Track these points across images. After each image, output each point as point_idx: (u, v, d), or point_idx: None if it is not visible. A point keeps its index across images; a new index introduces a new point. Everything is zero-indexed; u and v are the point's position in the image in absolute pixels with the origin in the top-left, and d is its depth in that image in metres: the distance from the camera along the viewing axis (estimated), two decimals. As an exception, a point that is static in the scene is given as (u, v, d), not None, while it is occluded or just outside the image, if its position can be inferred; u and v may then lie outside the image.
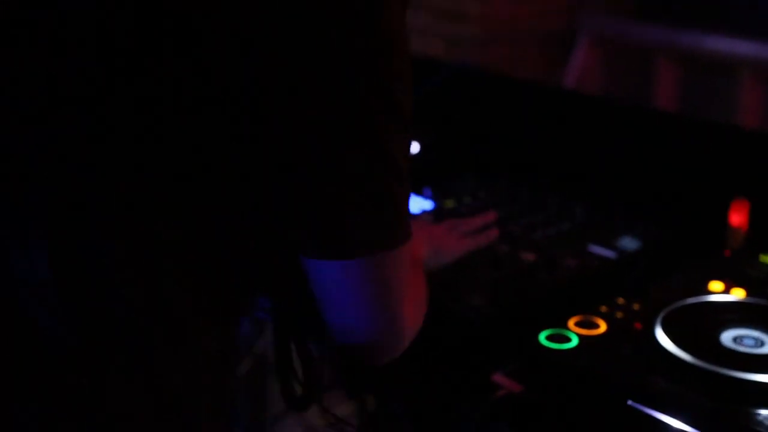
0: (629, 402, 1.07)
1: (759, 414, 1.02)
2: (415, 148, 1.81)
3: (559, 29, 3.48)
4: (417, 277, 1.05)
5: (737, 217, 1.40)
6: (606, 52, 3.37)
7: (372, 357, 0.99)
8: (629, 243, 1.44)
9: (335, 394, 1.80)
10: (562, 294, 1.31)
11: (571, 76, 3.37)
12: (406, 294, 0.95)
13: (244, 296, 0.99)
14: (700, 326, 1.16)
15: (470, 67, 2.17)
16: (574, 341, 1.16)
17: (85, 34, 0.83)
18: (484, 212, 1.46)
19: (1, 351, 0.88)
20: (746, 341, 1.12)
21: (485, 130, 1.88)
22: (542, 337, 1.16)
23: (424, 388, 1.26)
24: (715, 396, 1.05)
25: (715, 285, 1.28)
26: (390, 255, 0.89)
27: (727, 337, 1.13)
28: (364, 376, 1.56)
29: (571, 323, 1.19)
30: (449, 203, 1.56)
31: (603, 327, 1.18)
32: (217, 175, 0.87)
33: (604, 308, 1.22)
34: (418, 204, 1.59)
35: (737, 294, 1.26)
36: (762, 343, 1.12)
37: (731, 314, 1.18)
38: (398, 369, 1.30)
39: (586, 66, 3.38)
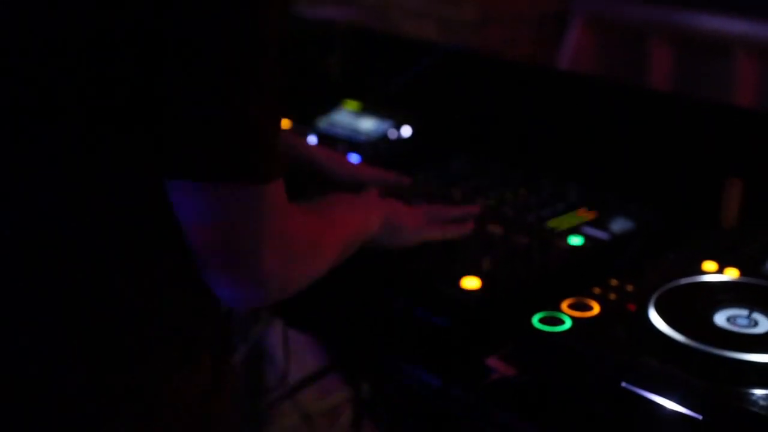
0: (623, 383, 1.07)
1: (753, 394, 1.01)
2: (407, 131, 1.80)
3: (553, 10, 3.47)
4: (313, 227, 1.07)
5: (731, 197, 1.40)
6: (600, 32, 3.36)
7: (230, 297, 0.99)
8: (622, 224, 1.44)
9: (331, 380, 1.81)
10: (555, 276, 1.31)
11: (565, 57, 3.36)
12: (266, 237, 0.96)
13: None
14: (694, 307, 1.15)
15: (464, 49, 2.16)
16: (568, 323, 1.15)
17: None
18: (471, 204, 1.45)
19: None
20: (740, 321, 1.12)
21: (478, 112, 1.88)
22: (535, 320, 1.16)
23: (418, 373, 1.26)
24: (708, 376, 1.04)
25: (709, 265, 1.27)
26: (246, 189, 0.92)
27: (720, 317, 1.13)
28: (359, 362, 1.56)
29: (564, 305, 1.18)
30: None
31: (596, 309, 1.18)
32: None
33: (597, 290, 1.22)
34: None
35: (731, 274, 1.25)
36: (755, 323, 1.11)
37: (725, 294, 1.17)
38: (392, 354, 1.30)
39: (580, 47, 3.37)
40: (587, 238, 1.40)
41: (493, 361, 1.16)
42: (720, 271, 1.26)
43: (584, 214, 1.47)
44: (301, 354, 1.62)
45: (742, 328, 1.11)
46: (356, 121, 1.84)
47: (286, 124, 1.77)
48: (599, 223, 1.44)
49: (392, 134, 1.80)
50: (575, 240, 1.39)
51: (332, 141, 1.77)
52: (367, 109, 1.88)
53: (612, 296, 1.20)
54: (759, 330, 1.10)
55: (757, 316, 1.13)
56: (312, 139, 1.77)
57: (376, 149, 1.75)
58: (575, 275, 1.31)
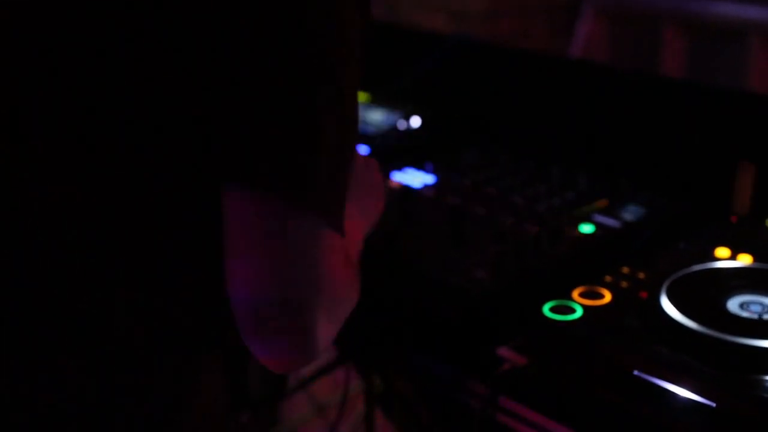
0: (635, 372, 1.06)
1: (767, 381, 1.00)
2: (416, 122, 1.79)
3: (564, 0, 3.46)
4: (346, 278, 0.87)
5: (743, 182, 1.38)
6: (611, 20, 3.34)
7: (272, 359, 0.84)
8: (634, 211, 1.42)
9: (343, 372, 1.81)
10: (566, 265, 1.30)
11: (576, 47, 3.35)
12: (320, 288, 0.81)
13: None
14: (707, 293, 1.14)
15: (475, 39, 2.15)
16: (579, 312, 1.14)
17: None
18: None
19: None
20: (753, 307, 1.11)
21: (488, 102, 1.87)
22: (546, 309, 1.15)
23: (430, 364, 1.25)
24: (722, 364, 1.03)
25: (722, 251, 1.26)
26: (304, 221, 0.78)
27: (733, 303, 1.12)
28: (371, 354, 1.55)
29: (575, 294, 1.17)
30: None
31: (608, 297, 1.17)
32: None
33: (608, 278, 1.21)
34: (420, 179, 1.58)
35: (744, 260, 1.24)
36: (769, 309, 1.10)
37: (738, 280, 1.16)
38: (403, 345, 1.29)
39: (592, 36, 3.35)
40: (598, 225, 1.39)
41: (504, 351, 1.15)
42: (733, 257, 1.25)
43: (600, 204, 1.46)
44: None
45: (755, 314, 1.09)
46: (365, 113, 1.84)
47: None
48: (610, 210, 1.43)
49: (401, 125, 1.79)
50: (586, 228, 1.38)
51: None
52: (375, 101, 1.87)
53: (624, 284, 1.19)
54: (773, 316, 1.09)
55: (770, 302, 1.11)
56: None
57: (385, 141, 1.75)
58: (586, 263, 1.30)
